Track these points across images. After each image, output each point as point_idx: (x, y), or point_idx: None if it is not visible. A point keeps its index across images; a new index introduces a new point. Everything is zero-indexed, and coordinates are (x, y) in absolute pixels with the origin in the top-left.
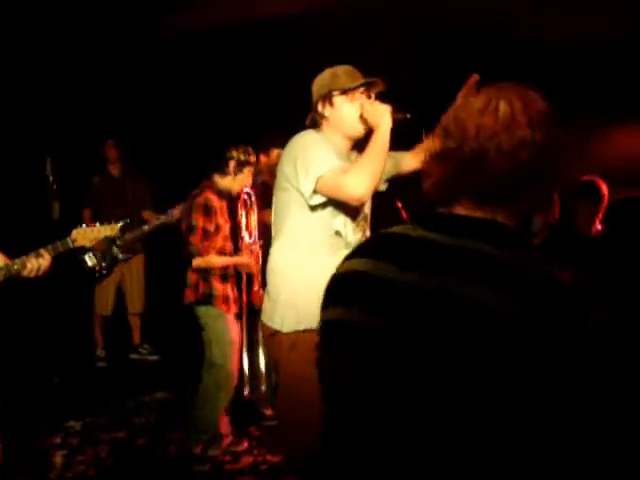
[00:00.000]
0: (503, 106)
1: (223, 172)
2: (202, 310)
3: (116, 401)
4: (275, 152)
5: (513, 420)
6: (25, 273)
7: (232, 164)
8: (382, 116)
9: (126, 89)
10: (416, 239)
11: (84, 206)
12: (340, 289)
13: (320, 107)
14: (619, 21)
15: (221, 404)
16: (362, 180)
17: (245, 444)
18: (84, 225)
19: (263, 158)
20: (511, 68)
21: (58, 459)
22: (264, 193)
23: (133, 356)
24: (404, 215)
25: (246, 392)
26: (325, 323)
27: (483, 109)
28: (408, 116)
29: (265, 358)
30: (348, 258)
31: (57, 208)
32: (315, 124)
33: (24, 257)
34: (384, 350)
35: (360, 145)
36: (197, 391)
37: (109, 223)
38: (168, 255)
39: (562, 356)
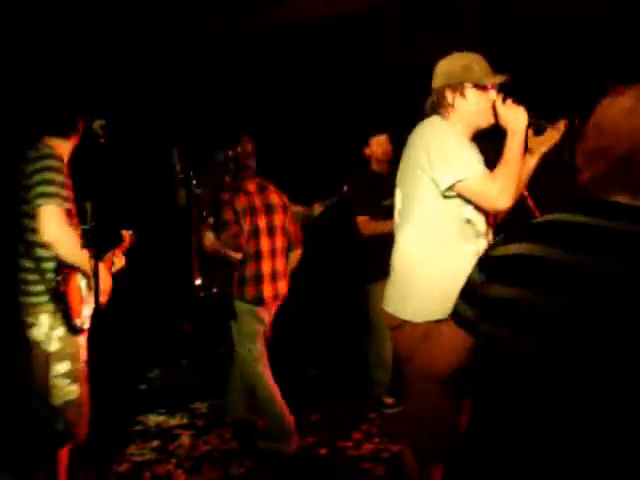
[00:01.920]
0: None
1: None
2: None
3: None
4: (375, 140)
5: None
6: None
7: None
8: (519, 121)
9: (249, 84)
10: (579, 224)
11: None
12: (510, 270)
13: (449, 96)
14: None
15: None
16: (507, 192)
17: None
18: None
19: (367, 150)
20: None
21: (185, 439)
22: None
23: None
24: (531, 204)
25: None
26: (491, 300)
27: (635, 109)
28: (547, 126)
29: (387, 347)
30: (507, 242)
31: (183, 195)
32: (435, 109)
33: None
34: (562, 328)
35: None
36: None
37: None
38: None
39: None
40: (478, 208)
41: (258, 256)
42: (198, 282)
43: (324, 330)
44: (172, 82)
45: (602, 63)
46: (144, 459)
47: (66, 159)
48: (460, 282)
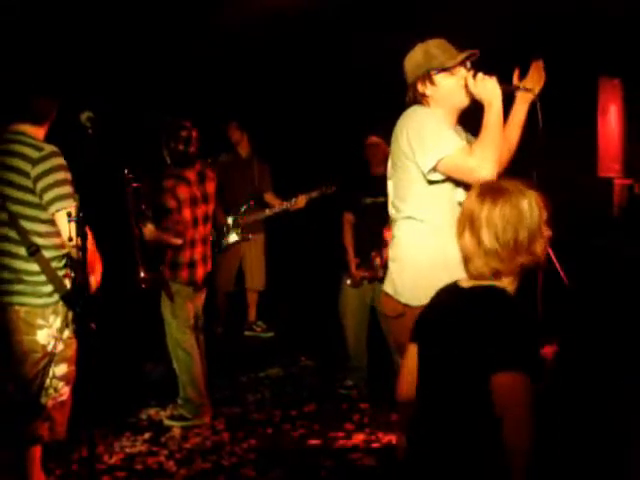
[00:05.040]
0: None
1: None
2: None
3: (230, 377)
4: (369, 142)
5: None
6: None
7: None
8: (493, 92)
9: (252, 74)
10: None
11: None
12: None
13: (420, 87)
14: None
15: None
16: (488, 162)
17: None
18: None
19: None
20: None
21: (177, 431)
22: None
23: (248, 333)
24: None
25: None
26: None
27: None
28: (517, 89)
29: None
30: None
31: None
32: (415, 102)
33: None
34: None
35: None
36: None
37: (236, 203)
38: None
39: None
40: (468, 188)
41: (193, 243)
42: (142, 275)
43: (317, 320)
44: (173, 80)
45: (603, 62)
46: (135, 451)
47: None
48: (452, 268)
